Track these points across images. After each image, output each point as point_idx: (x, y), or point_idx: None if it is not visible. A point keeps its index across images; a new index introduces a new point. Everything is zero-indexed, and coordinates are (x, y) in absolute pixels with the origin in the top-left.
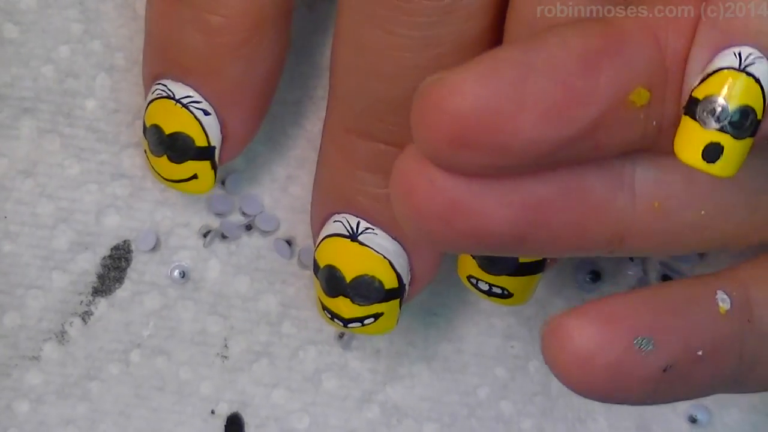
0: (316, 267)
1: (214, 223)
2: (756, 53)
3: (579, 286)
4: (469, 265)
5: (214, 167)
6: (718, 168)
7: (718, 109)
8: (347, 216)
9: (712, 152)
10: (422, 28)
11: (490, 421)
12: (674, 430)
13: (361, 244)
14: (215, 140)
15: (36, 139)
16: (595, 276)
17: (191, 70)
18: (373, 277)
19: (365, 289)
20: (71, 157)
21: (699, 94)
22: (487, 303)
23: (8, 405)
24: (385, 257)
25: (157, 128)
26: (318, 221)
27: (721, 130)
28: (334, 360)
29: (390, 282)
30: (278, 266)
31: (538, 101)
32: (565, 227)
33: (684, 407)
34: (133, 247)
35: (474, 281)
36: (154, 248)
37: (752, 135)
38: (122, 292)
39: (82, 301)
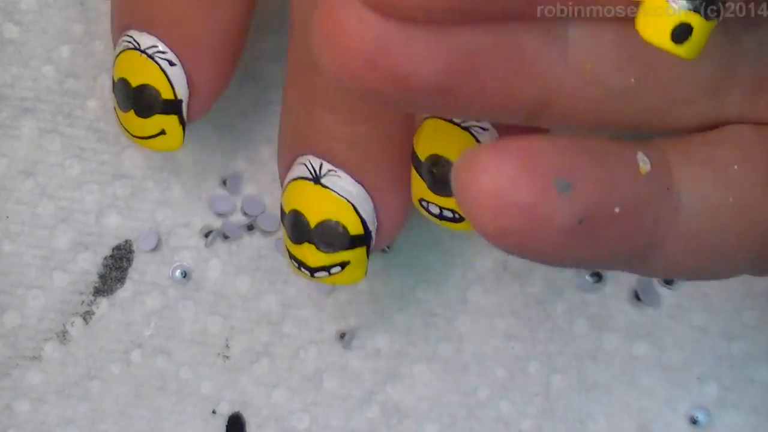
0: (282, 214)
1: (216, 223)
2: None
3: (580, 286)
4: (419, 188)
5: (182, 122)
6: (685, 49)
7: None
8: (310, 157)
9: (682, 33)
10: None
11: (490, 421)
12: (674, 431)
13: (324, 186)
14: (182, 93)
15: (36, 139)
16: (597, 277)
17: (155, 19)
18: (337, 222)
19: (329, 235)
20: (72, 157)
21: None
22: (487, 303)
23: (8, 405)
24: (348, 201)
25: (123, 82)
26: (284, 167)
27: (694, 10)
28: (335, 360)
29: (355, 228)
30: (279, 266)
31: None
32: (494, 82)
33: (685, 408)
34: (134, 247)
35: (425, 204)
36: (155, 248)
37: (718, 17)
38: (123, 292)
39: (83, 301)
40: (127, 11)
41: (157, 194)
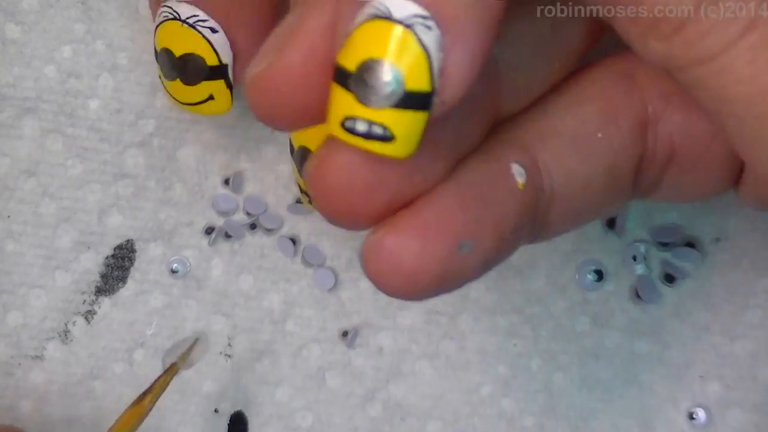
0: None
1: (218, 222)
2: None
3: (581, 284)
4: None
5: (229, 86)
6: (391, 149)
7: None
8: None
9: (384, 136)
10: None
11: (492, 418)
12: (676, 429)
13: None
14: (226, 58)
15: (38, 138)
16: (598, 275)
17: None
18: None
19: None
20: (74, 157)
21: (345, 60)
22: (489, 300)
23: (12, 404)
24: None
25: (167, 52)
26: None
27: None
28: (338, 358)
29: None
30: (281, 265)
31: None
32: None
33: (685, 406)
34: (136, 247)
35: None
36: (157, 247)
37: (423, 108)
38: (125, 291)
39: (85, 301)
40: None
41: (159, 194)
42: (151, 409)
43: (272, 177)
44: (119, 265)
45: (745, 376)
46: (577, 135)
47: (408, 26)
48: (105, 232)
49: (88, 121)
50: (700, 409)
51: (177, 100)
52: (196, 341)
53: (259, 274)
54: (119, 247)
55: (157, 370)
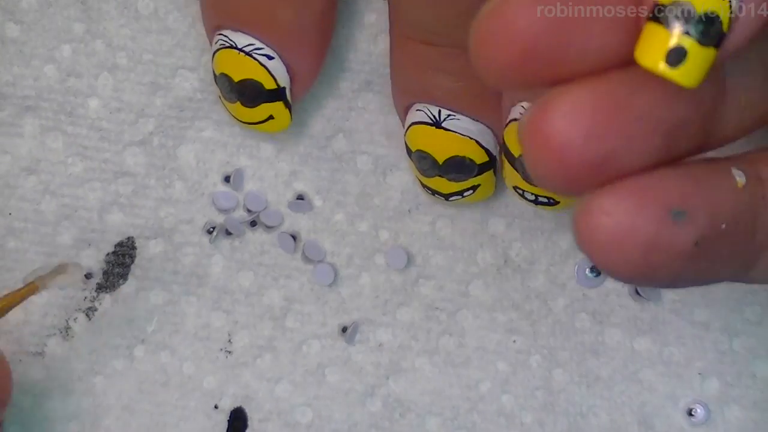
0: (408, 150)
1: (218, 219)
2: None
3: (581, 281)
4: (513, 178)
5: (287, 106)
6: (680, 73)
7: (685, 12)
8: (428, 105)
9: (676, 56)
10: None
11: (491, 415)
12: (675, 426)
13: (446, 129)
14: (283, 81)
15: (39, 137)
16: (598, 272)
17: (247, 20)
18: (464, 157)
19: (458, 168)
20: (74, 155)
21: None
22: (489, 297)
23: (12, 400)
24: (471, 138)
25: (226, 77)
26: (401, 110)
27: (686, 33)
28: (338, 354)
29: (480, 158)
30: (282, 261)
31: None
32: None
33: (684, 403)
34: (137, 244)
35: (520, 192)
36: (158, 244)
37: (716, 45)
38: (126, 288)
39: (86, 297)
40: (218, 12)
41: (159, 191)
42: (9, 310)
43: (272, 174)
44: (120, 262)
45: (744, 373)
46: None
47: None
48: (105, 229)
49: (88, 119)
50: (699, 405)
51: (238, 120)
52: (66, 268)
53: (260, 270)
54: (120, 245)
55: (157, 366)
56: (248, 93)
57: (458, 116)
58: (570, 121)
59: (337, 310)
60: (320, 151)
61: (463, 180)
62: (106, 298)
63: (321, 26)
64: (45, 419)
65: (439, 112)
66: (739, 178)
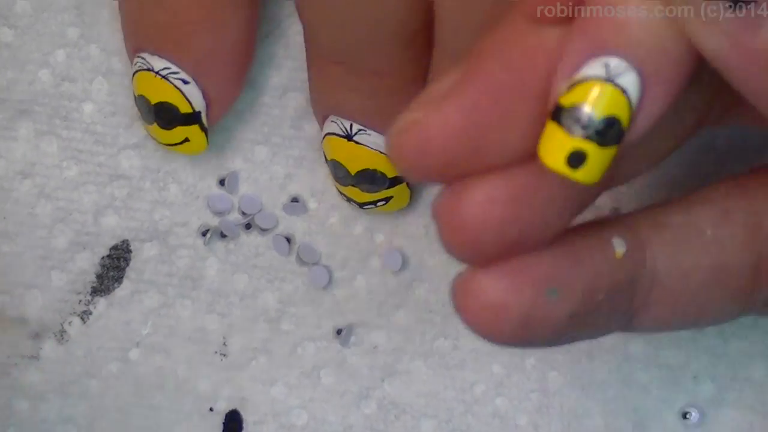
0: (325, 157)
1: (213, 222)
2: (624, 64)
3: None
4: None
5: (203, 129)
6: (581, 174)
7: (584, 118)
8: (341, 118)
9: (576, 159)
10: None
11: (486, 417)
12: (669, 429)
13: (357, 143)
14: (199, 105)
15: (33, 140)
16: None
17: (163, 45)
18: (375, 170)
19: (370, 180)
20: (69, 159)
21: (566, 101)
22: None
23: (8, 403)
24: (381, 152)
25: (143, 99)
26: (319, 119)
27: (587, 138)
28: (332, 356)
29: (392, 172)
30: (277, 263)
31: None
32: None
33: (679, 406)
34: (132, 247)
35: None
36: (153, 247)
37: (617, 143)
38: (121, 291)
39: (80, 301)
40: (137, 35)
41: (154, 194)
42: None
43: (267, 177)
44: (115, 265)
45: (738, 376)
46: (684, 229)
47: (617, 83)
48: (100, 232)
49: (82, 124)
50: (694, 409)
51: (156, 140)
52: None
53: (254, 273)
54: (115, 248)
55: (152, 370)
56: (164, 115)
57: (369, 131)
58: (486, 209)
59: (331, 312)
60: (315, 154)
61: (376, 191)
62: (101, 302)
63: (238, 52)
64: (40, 422)
65: (351, 125)
66: (619, 247)
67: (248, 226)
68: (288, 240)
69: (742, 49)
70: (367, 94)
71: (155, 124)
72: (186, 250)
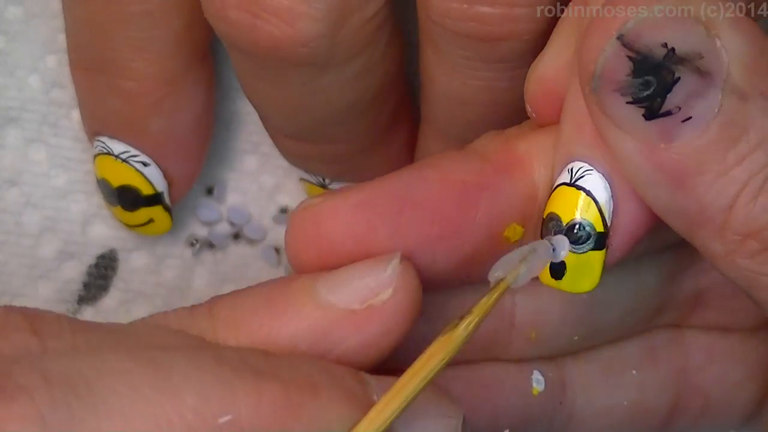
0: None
1: (202, 232)
2: (586, 166)
3: None
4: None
5: (167, 209)
6: (566, 284)
7: (555, 227)
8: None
9: (557, 269)
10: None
11: None
12: None
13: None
14: (161, 186)
15: (21, 148)
16: None
17: (120, 129)
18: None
19: (128, 196)
20: (57, 167)
21: (545, 212)
22: None
23: None
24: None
25: (105, 182)
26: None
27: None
28: None
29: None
30: (265, 274)
31: (412, 234)
32: None
33: None
34: (119, 256)
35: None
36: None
37: (598, 248)
38: (109, 300)
39: (68, 309)
40: (95, 119)
41: None
42: (467, 338)
43: (255, 187)
44: (102, 274)
45: None
46: (611, 366)
47: (588, 192)
48: (88, 241)
49: (71, 131)
50: None
51: (121, 222)
52: (533, 250)
53: (243, 283)
54: (102, 257)
55: None
56: (127, 198)
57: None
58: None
59: None
60: None
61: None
62: (88, 310)
63: (196, 132)
64: None
65: (324, 178)
66: (537, 384)
67: (237, 237)
68: (277, 251)
69: (654, 157)
70: (328, 159)
71: (119, 207)
72: (174, 260)
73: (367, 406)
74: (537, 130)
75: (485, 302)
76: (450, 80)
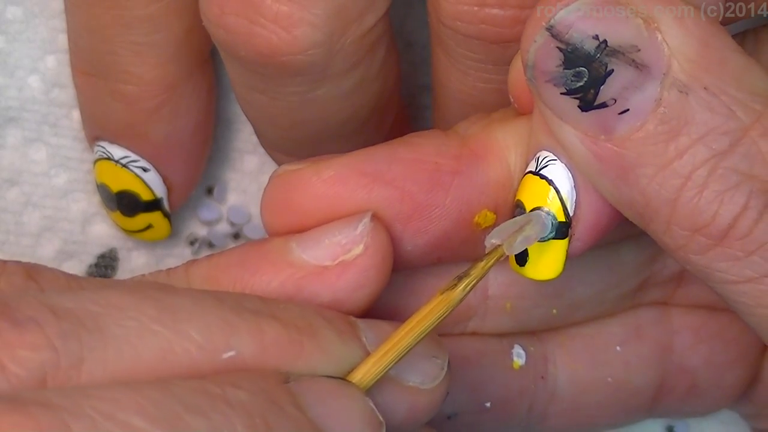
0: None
1: (202, 231)
2: (551, 156)
3: None
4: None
5: (166, 215)
6: (528, 270)
7: (519, 214)
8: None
9: (519, 256)
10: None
11: None
12: None
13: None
14: (160, 192)
15: (21, 148)
16: None
17: (120, 134)
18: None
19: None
20: (57, 167)
21: (515, 198)
22: None
23: None
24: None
25: (105, 187)
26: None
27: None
28: None
29: (147, 196)
30: None
31: (381, 212)
32: None
33: (665, 420)
34: (119, 256)
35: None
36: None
37: (559, 237)
38: None
39: None
40: (95, 124)
41: None
42: (463, 299)
43: (255, 187)
44: (102, 273)
45: None
46: (594, 342)
47: (550, 182)
48: (88, 241)
49: (72, 131)
50: (680, 422)
51: (120, 227)
52: (529, 221)
53: None
54: (102, 256)
55: None
56: (126, 203)
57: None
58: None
59: None
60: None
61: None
62: None
63: (196, 138)
64: None
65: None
66: (518, 359)
67: (237, 236)
68: None
69: (595, 148)
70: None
71: (118, 212)
72: (174, 260)
73: (359, 347)
74: (517, 117)
75: (483, 266)
76: (461, 83)
